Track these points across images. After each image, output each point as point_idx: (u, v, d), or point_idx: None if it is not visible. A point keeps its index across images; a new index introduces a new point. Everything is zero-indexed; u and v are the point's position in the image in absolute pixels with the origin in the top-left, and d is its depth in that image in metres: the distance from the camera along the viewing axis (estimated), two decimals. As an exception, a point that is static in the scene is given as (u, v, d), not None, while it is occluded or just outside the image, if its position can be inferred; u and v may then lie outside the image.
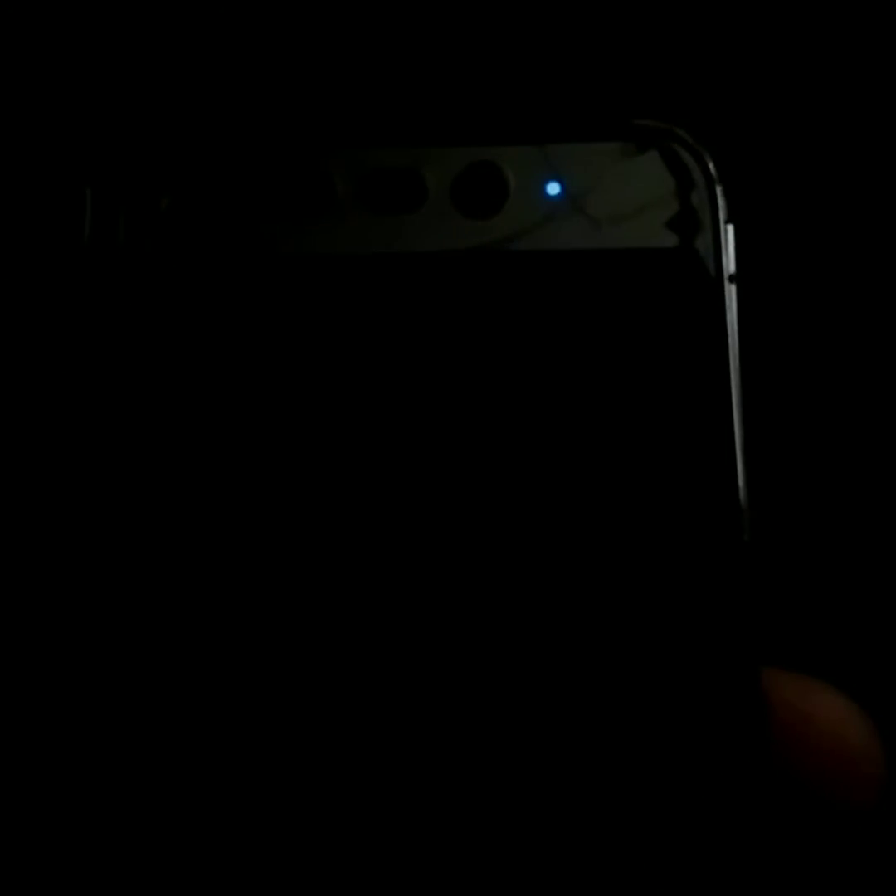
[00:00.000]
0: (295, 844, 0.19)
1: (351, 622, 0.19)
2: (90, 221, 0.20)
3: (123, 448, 0.20)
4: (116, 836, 0.19)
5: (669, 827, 0.19)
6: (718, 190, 0.20)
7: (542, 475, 0.20)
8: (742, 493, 0.20)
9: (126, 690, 0.19)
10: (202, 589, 0.19)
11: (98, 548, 0.20)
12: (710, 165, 0.21)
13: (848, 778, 0.19)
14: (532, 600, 0.19)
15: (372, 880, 0.19)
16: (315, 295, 0.20)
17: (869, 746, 0.20)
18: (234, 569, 0.19)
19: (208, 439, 0.20)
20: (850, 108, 0.29)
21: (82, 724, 0.19)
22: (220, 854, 0.19)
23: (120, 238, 0.20)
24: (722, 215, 0.20)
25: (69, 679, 0.19)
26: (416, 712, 0.19)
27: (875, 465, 0.29)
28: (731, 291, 0.20)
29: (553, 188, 0.20)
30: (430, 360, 0.20)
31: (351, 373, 0.20)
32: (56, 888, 0.19)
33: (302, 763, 0.19)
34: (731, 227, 0.20)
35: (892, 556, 0.29)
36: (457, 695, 0.19)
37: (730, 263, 0.20)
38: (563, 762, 0.19)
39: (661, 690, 0.19)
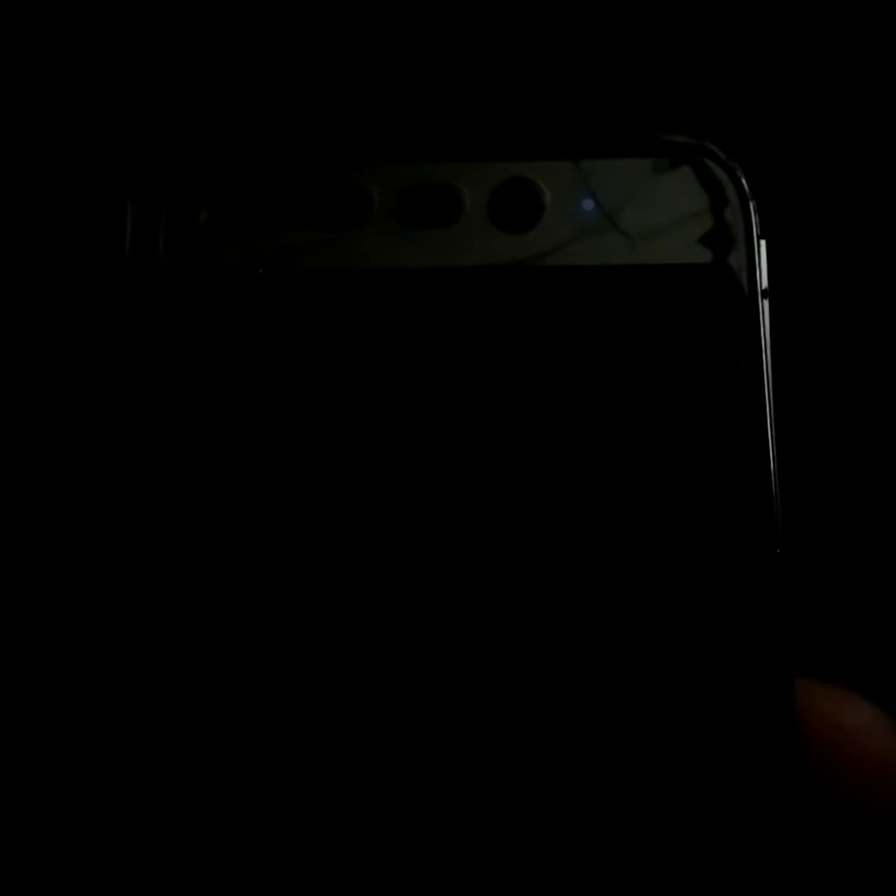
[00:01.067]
0: (295, 844, 0.19)
1: (356, 624, 0.19)
2: (131, 234, 0.21)
3: (154, 458, 0.20)
4: (116, 835, 0.19)
5: (701, 836, 0.19)
6: (751, 205, 0.21)
7: (581, 489, 0.20)
8: (776, 506, 0.20)
9: (127, 691, 0.19)
10: (205, 593, 0.20)
11: (105, 550, 0.20)
12: (743, 181, 0.21)
13: (880, 787, 0.19)
14: (563, 613, 0.19)
15: (372, 880, 0.19)
16: (351, 310, 0.20)
17: None
18: (237, 574, 0.20)
19: (240, 453, 0.20)
20: (882, 125, 0.29)
21: (83, 724, 0.19)
22: (220, 853, 0.19)
23: (160, 251, 0.21)
24: (755, 231, 0.20)
25: (70, 679, 0.19)
26: (424, 712, 0.19)
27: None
28: (764, 307, 0.20)
29: (588, 204, 0.21)
30: (468, 375, 0.20)
31: (386, 387, 0.20)
32: (56, 888, 0.19)
33: (302, 763, 0.19)
34: (764, 243, 0.20)
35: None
36: (468, 698, 0.19)
37: (763, 279, 0.20)
38: (590, 773, 0.19)
39: (695, 701, 0.19)
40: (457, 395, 0.20)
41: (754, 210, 0.21)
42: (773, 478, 0.20)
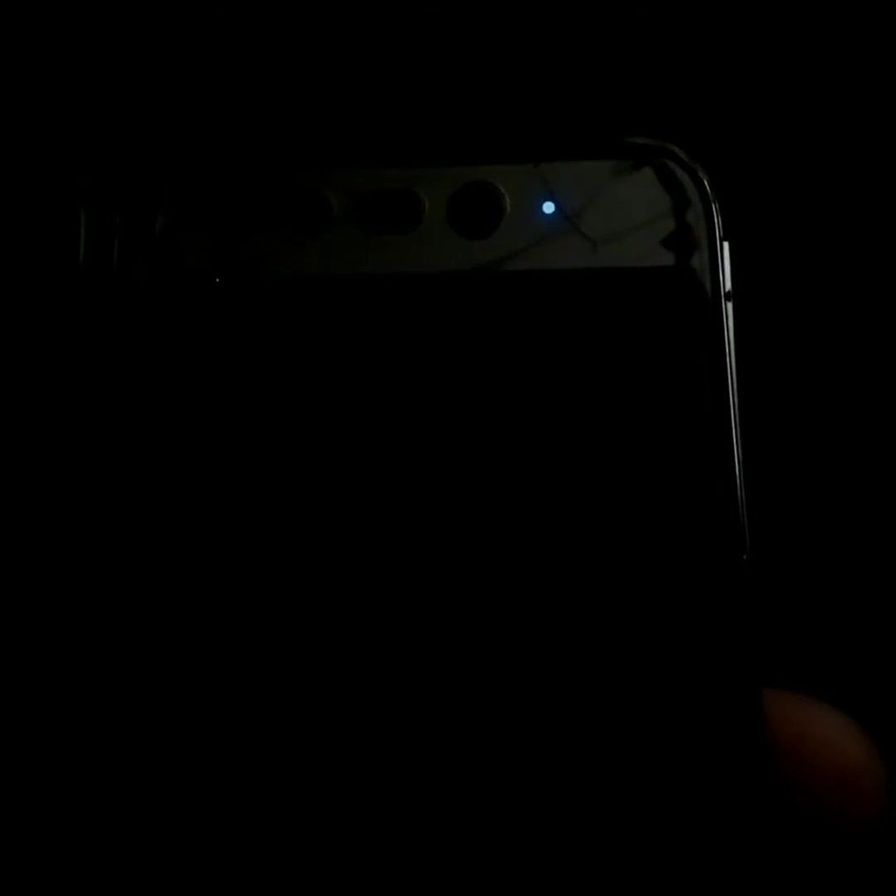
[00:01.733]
0: (295, 844, 0.19)
1: (350, 626, 0.19)
2: (84, 242, 0.20)
3: (115, 473, 0.20)
4: (116, 835, 0.19)
5: (668, 844, 0.19)
6: (714, 207, 0.20)
7: (539, 494, 0.20)
8: (741, 510, 0.20)
9: (127, 691, 0.19)
10: (204, 596, 0.19)
11: (98, 564, 0.19)
12: (706, 183, 0.21)
13: (848, 795, 0.19)
14: (529, 620, 0.19)
15: (372, 880, 0.19)
16: (310, 317, 0.20)
17: (868, 763, 0.20)
18: (233, 577, 0.19)
19: (204, 463, 0.20)
20: (845, 124, 0.29)
21: (83, 725, 0.19)
22: (220, 853, 0.19)
23: (115, 259, 0.20)
24: (718, 233, 0.20)
25: (70, 680, 0.19)
26: (418, 713, 0.19)
27: (872, 482, 0.29)
28: (727, 309, 0.20)
29: (548, 207, 0.20)
30: (427, 382, 0.20)
31: (346, 395, 0.20)
32: (56, 888, 0.19)
33: (302, 763, 0.19)
34: (727, 245, 0.20)
35: (890, 573, 0.29)
36: (449, 706, 0.19)
37: (726, 281, 0.20)
38: (559, 780, 0.19)
39: (661, 708, 0.19)
40: (418, 403, 0.20)
41: (717, 212, 0.20)
42: (738, 482, 0.20)
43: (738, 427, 0.20)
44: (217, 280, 0.20)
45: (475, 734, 0.19)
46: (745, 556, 0.19)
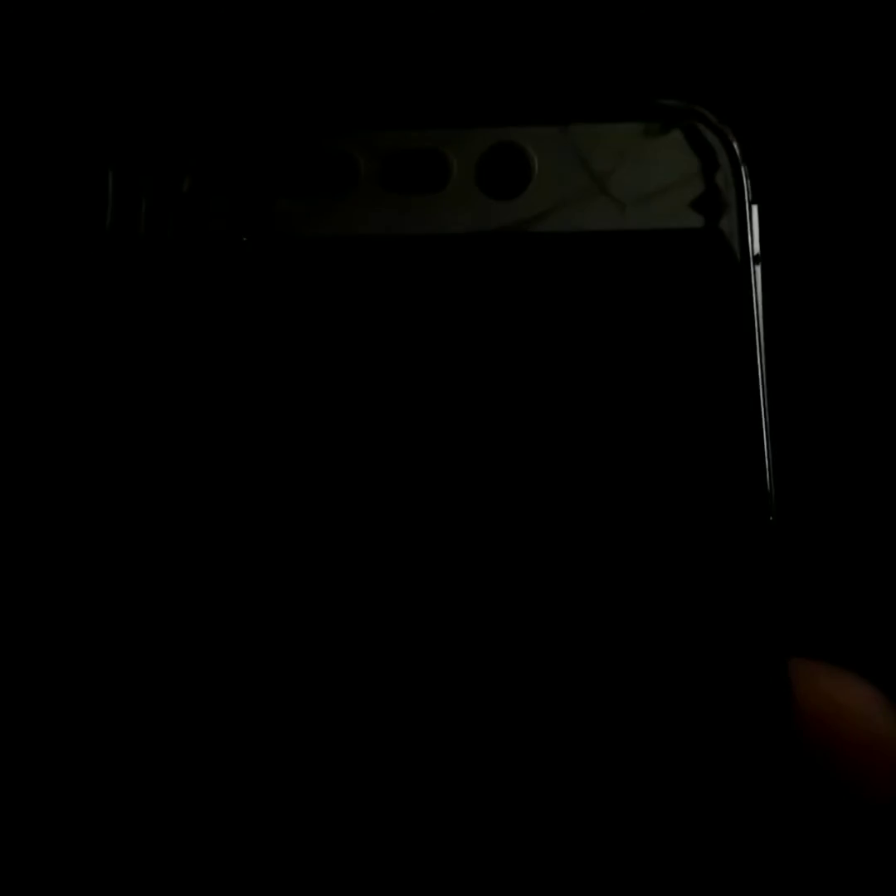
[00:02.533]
0: (295, 844, 0.19)
1: (352, 620, 0.19)
2: (112, 206, 0.20)
3: (141, 439, 0.20)
4: (117, 835, 0.19)
5: (696, 815, 0.19)
6: (743, 170, 0.20)
7: (572, 456, 0.20)
8: (768, 475, 0.19)
9: (127, 691, 0.19)
10: (204, 587, 0.19)
11: (102, 539, 0.20)
12: (735, 145, 0.20)
13: (875, 766, 0.19)
14: (548, 583, 0.19)
15: (372, 880, 0.19)
16: (338, 277, 0.20)
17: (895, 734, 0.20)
18: (237, 564, 0.19)
19: (231, 428, 0.20)
20: (875, 88, 0.29)
21: (83, 725, 0.19)
22: (220, 853, 0.19)
23: (142, 222, 0.20)
24: (747, 196, 0.20)
25: (71, 680, 0.19)
26: (423, 712, 0.19)
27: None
28: (756, 272, 0.20)
29: (577, 168, 0.20)
30: (455, 343, 0.20)
31: (375, 357, 0.20)
32: (56, 888, 0.19)
33: (303, 763, 0.19)
34: (755, 208, 0.20)
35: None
36: (467, 693, 0.19)
37: (755, 244, 0.20)
38: (584, 756, 0.19)
39: (687, 679, 0.19)
40: (447, 364, 0.20)
41: (746, 175, 0.20)
42: (766, 446, 0.20)
43: (766, 390, 0.20)
44: (244, 240, 0.20)
45: (486, 719, 0.19)
46: (771, 519, 0.19)
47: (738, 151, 0.20)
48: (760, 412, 0.20)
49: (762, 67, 0.29)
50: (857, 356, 0.28)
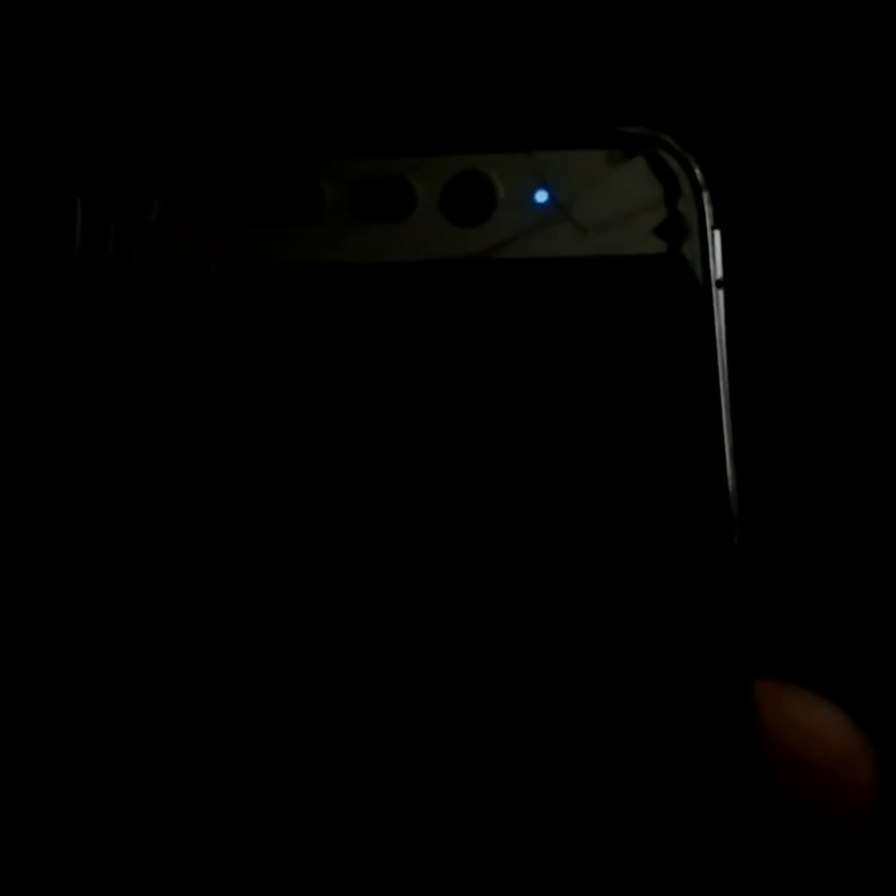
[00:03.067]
0: (295, 844, 0.19)
1: (350, 623, 0.19)
2: (80, 231, 0.20)
3: (112, 466, 0.20)
4: (117, 835, 0.19)
5: (661, 838, 0.19)
6: (705, 196, 0.21)
7: (531, 481, 0.20)
8: (732, 497, 0.20)
9: (127, 691, 0.19)
10: (203, 592, 0.20)
11: (96, 559, 0.20)
12: (697, 172, 0.21)
13: (838, 786, 0.19)
14: (520, 607, 0.19)
15: (372, 880, 0.19)
16: (304, 305, 0.20)
17: (858, 754, 0.20)
18: (234, 574, 0.20)
19: (199, 453, 0.20)
20: (835, 114, 0.29)
21: (83, 726, 0.19)
22: (220, 853, 0.19)
23: (110, 248, 0.20)
24: (709, 221, 0.20)
25: (71, 680, 0.19)
26: (410, 713, 0.19)
27: (863, 469, 0.29)
28: (718, 297, 0.20)
29: (541, 196, 0.21)
30: (420, 369, 0.20)
31: (341, 383, 0.20)
32: (56, 888, 0.19)
33: (302, 763, 0.19)
34: (717, 233, 0.21)
35: (882, 561, 0.29)
36: (443, 700, 0.19)
37: (717, 269, 0.20)
38: (551, 776, 0.19)
39: (652, 699, 0.19)
40: (411, 390, 0.20)
41: (708, 200, 0.21)
42: (728, 468, 0.20)
43: (728, 413, 0.20)
44: (212, 268, 0.20)
45: (461, 730, 0.19)
46: (735, 542, 0.20)
47: (700, 177, 0.21)
48: (723, 435, 0.20)
49: (724, 94, 0.29)
50: (820, 379, 0.28)
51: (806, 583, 0.28)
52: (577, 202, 0.21)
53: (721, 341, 0.20)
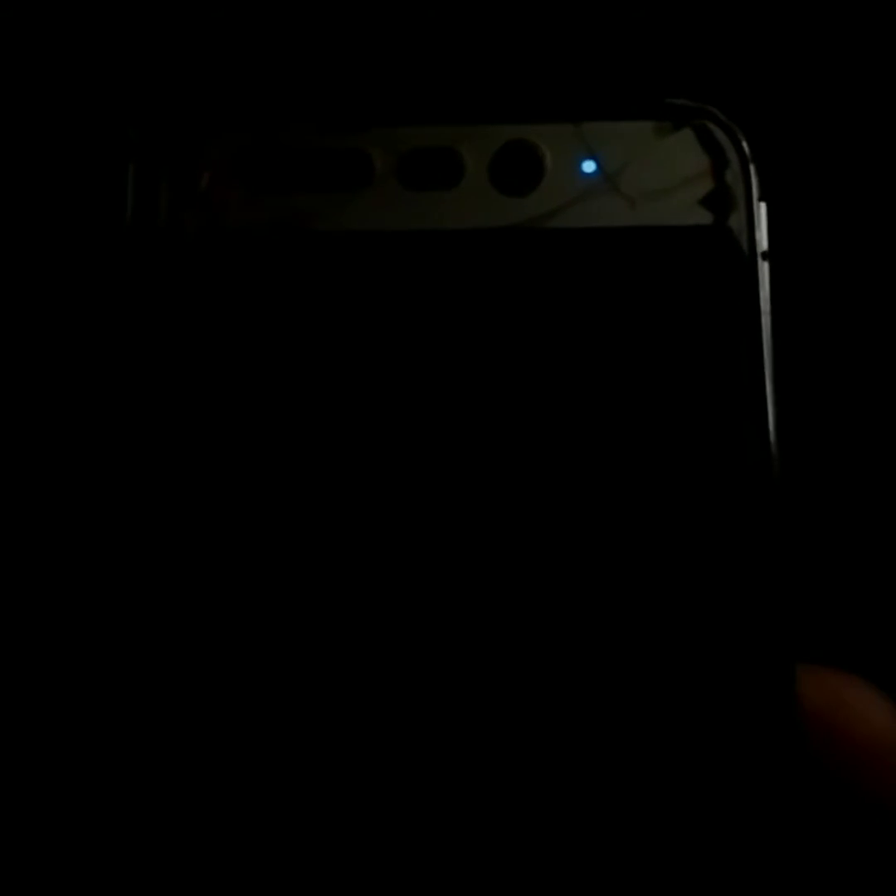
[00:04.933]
0: (295, 844, 0.19)
1: (353, 617, 0.19)
2: (132, 199, 0.21)
3: (158, 434, 0.20)
4: (117, 835, 0.19)
5: (701, 815, 0.19)
6: (752, 168, 0.21)
7: (579, 446, 0.20)
8: (776, 471, 0.20)
9: (127, 691, 0.19)
10: (205, 586, 0.20)
11: (120, 529, 0.20)
12: (744, 144, 0.21)
13: (880, 769, 0.20)
14: (548, 579, 0.19)
15: (372, 880, 0.19)
16: (353, 272, 0.20)
17: None
18: (241, 560, 0.20)
19: (247, 423, 0.20)
20: (881, 86, 0.29)
21: (84, 726, 0.19)
22: (220, 854, 0.19)
23: (162, 215, 0.21)
24: (755, 193, 0.21)
25: (71, 680, 0.19)
26: (420, 712, 0.19)
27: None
28: (764, 268, 0.20)
29: (589, 166, 0.21)
30: (469, 337, 0.20)
31: (388, 351, 0.20)
32: (56, 888, 0.19)
33: (303, 763, 0.19)
34: (763, 205, 0.21)
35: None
36: (464, 693, 0.19)
37: (763, 241, 0.20)
38: (588, 757, 0.19)
39: (691, 678, 0.19)
40: (460, 357, 0.20)
41: (755, 172, 0.21)
42: (771, 439, 0.20)
43: (772, 384, 0.20)
44: (261, 238, 0.21)
45: (486, 714, 0.19)
46: (780, 518, 0.19)
47: (747, 149, 0.21)
48: (767, 406, 0.20)
49: (771, 66, 0.29)
50: (865, 352, 0.28)
51: (850, 565, 0.28)
52: (624, 173, 0.21)
53: (766, 313, 0.20)
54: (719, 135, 0.21)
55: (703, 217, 0.21)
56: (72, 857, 0.19)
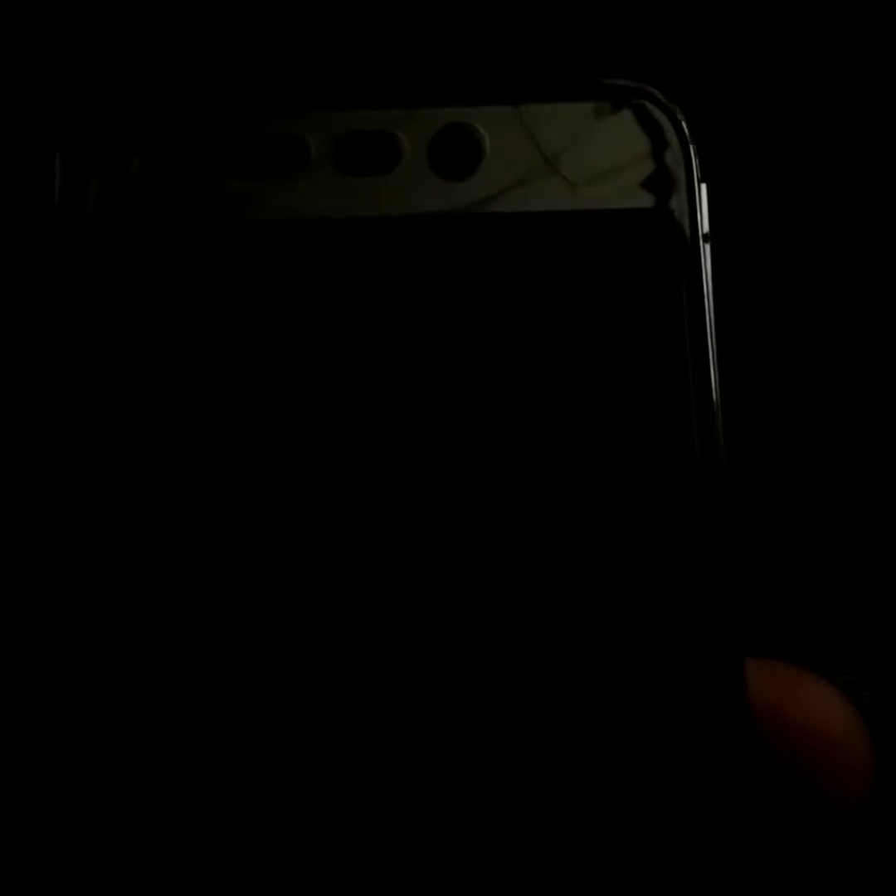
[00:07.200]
0: (295, 844, 0.19)
1: (344, 616, 0.19)
2: (59, 187, 0.20)
3: (102, 430, 0.20)
4: (117, 836, 0.19)
5: (655, 822, 0.19)
6: (692, 149, 0.20)
7: (516, 439, 0.20)
8: (721, 452, 0.20)
9: (126, 691, 0.19)
10: (200, 584, 0.19)
11: (95, 532, 0.19)
12: (683, 124, 0.21)
13: (833, 764, 0.20)
14: (510, 578, 0.19)
15: (372, 880, 0.19)
16: (289, 260, 0.20)
17: (853, 732, 0.20)
18: (235, 560, 0.20)
19: (186, 416, 0.20)
20: (819, 66, 0.29)
21: (83, 726, 0.19)
22: (220, 854, 0.19)
23: (90, 204, 0.20)
24: (696, 174, 0.20)
25: (70, 680, 0.19)
26: (409, 712, 0.19)
27: (849, 426, 0.29)
28: (705, 251, 0.20)
29: (528, 149, 0.20)
30: (405, 325, 0.20)
31: (325, 341, 0.20)
32: (56, 888, 0.19)
33: (302, 763, 0.19)
34: (704, 187, 0.21)
35: (874, 537, 0.29)
36: (445, 692, 0.19)
37: (704, 223, 0.20)
38: (541, 761, 0.19)
39: (644, 681, 0.19)
40: (395, 347, 0.20)
41: (695, 153, 0.21)
42: (717, 431, 0.20)
43: (715, 366, 0.20)
44: (195, 223, 0.20)
45: (457, 717, 0.19)
46: (726, 509, 0.20)
47: (686, 130, 0.21)
48: (711, 388, 0.20)
49: (710, 46, 0.29)
50: (805, 334, 0.29)
51: (799, 562, 0.28)
52: (563, 155, 0.20)
53: (708, 296, 0.20)
54: (659, 115, 0.21)
55: (645, 200, 0.20)
56: (72, 857, 0.19)
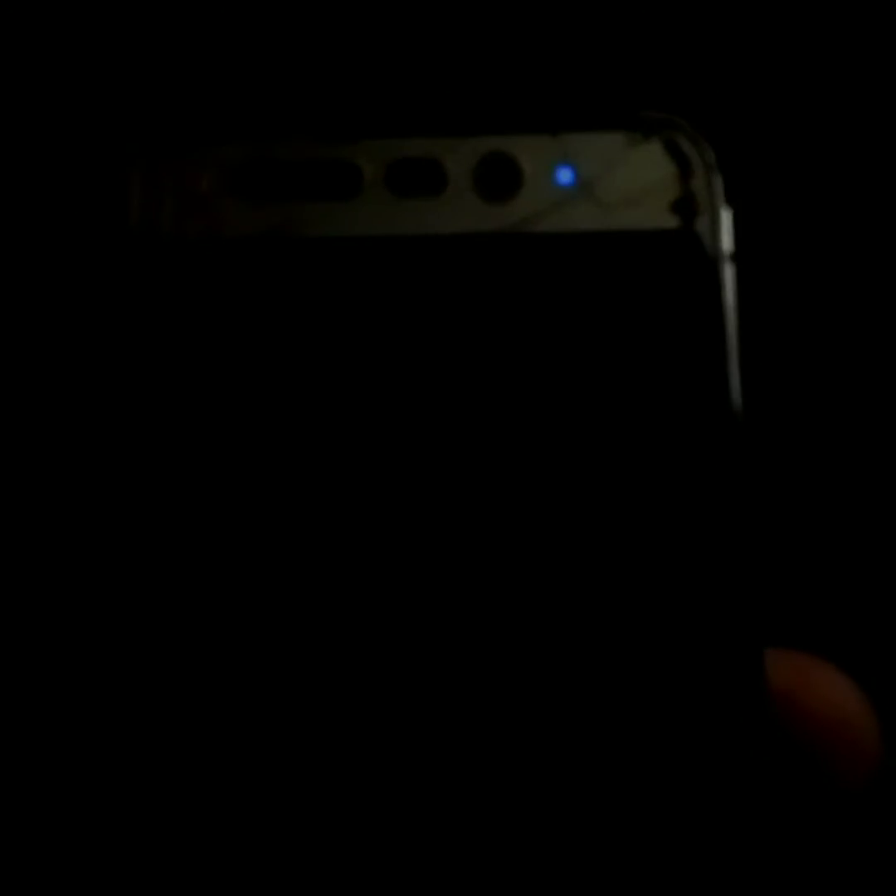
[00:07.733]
0: (295, 845, 0.19)
1: (349, 617, 0.20)
2: (137, 206, 0.21)
3: (154, 439, 0.20)
4: (117, 836, 0.19)
5: (672, 807, 0.19)
6: (717, 175, 0.22)
7: (549, 449, 0.21)
8: (743, 469, 0.20)
9: (127, 691, 0.19)
10: (203, 585, 0.20)
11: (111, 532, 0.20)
12: (709, 153, 0.22)
13: (847, 752, 0.20)
14: (521, 578, 0.20)
15: (372, 881, 0.19)
16: (345, 276, 0.21)
17: (867, 722, 0.20)
18: (239, 561, 0.20)
19: (243, 427, 0.20)
20: (840, 100, 0.30)
21: (83, 726, 0.19)
22: (220, 854, 0.19)
23: (166, 222, 0.21)
24: (720, 199, 0.22)
25: (70, 681, 0.19)
26: (416, 712, 0.20)
27: (873, 442, 0.30)
28: (728, 269, 0.21)
29: (565, 175, 0.22)
30: (452, 336, 0.21)
31: (380, 353, 0.21)
32: (56, 888, 0.19)
33: (302, 763, 0.19)
34: (728, 210, 0.22)
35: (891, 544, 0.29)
36: (456, 692, 0.20)
37: (727, 243, 0.21)
38: (556, 749, 0.19)
39: (663, 667, 0.20)
40: (443, 358, 0.21)
41: (719, 180, 0.22)
42: (740, 443, 0.20)
43: (739, 381, 0.21)
44: (257, 243, 0.21)
45: (473, 710, 0.19)
46: (747, 509, 0.20)
47: (712, 158, 0.22)
48: (733, 402, 0.21)
49: (736, 81, 0.30)
50: (829, 350, 0.29)
51: (815, 555, 0.29)
52: (598, 181, 0.21)
53: (731, 311, 0.21)
54: (687, 145, 0.22)
55: (672, 222, 0.21)
56: (71, 857, 0.19)
